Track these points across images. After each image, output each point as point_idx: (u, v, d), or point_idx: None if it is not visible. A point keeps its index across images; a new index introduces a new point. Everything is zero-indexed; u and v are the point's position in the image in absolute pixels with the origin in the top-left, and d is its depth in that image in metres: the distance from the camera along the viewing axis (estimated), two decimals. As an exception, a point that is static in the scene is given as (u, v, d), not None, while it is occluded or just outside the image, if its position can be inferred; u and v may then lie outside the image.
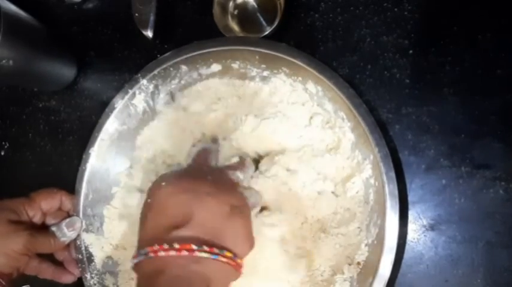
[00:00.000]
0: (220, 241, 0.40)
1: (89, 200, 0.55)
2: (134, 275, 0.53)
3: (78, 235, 0.54)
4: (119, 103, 0.55)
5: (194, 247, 0.38)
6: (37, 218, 0.53)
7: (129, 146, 0.57)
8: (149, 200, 0.43)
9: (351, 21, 0.53)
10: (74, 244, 0.55)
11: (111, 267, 0.56)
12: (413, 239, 0.50)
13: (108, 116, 0.55)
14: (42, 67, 0.57)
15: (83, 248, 0.54)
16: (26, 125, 0.65)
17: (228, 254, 0.39)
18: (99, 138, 0.55)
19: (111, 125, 0.55)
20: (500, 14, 0.49)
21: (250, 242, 0.43)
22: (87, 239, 0.55)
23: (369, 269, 0.47)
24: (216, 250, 0.39)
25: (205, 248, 0.38)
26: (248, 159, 0.52)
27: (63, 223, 0.53)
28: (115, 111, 0.55)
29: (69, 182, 0.59)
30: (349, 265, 0.49)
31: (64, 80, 0.62)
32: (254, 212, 0.49)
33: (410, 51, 0.51)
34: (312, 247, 0.50)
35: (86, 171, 0.55)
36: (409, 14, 0.51)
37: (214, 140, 0.54)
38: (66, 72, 0.61)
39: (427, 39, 0.51)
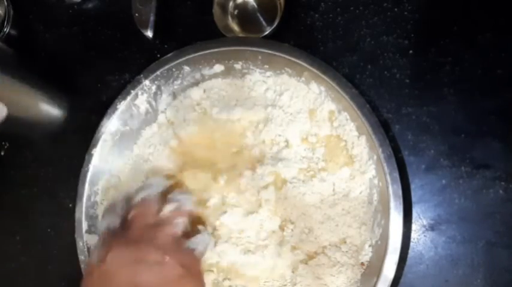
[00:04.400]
0: None
1: (91, 202, 0.55)
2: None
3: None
4: (122, 104, 0.55)
5: None
6: None
7: (131, 147, 0.57)
8: (94, 275, 0.41)
9: (351, 21, 0.53)
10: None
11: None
12: (414, 239, 0.50)
13: (110, 117, 0.55)
14: (28, 108, 0.56)
15: (86, 249, 0.54)
16: (26, 125, 0.65)
17: None
18: (101, 139, 0.55)
19: (113, 126, 0.55)
20: (499, 14, 0.49)
21: None
22: (90, 240, 0.54)
23: (372, 269, 0.48)
24: None
25: None
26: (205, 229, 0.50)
27: None
28: (117, 112, 0.55)
29: (69, 183, 0.59)
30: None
31: (52, 120, 0.61)
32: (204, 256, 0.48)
33: (410, 51, 0.51)
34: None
35: (89, 172, 0.55)
36: (409, 14, 0.51)
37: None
38: (55, 111, 0.60)
39: (427, 39, 0.51)
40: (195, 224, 0.50)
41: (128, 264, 0.40)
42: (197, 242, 0.46)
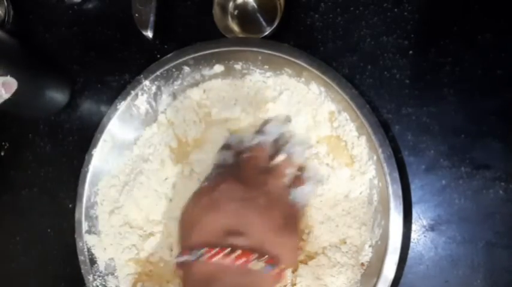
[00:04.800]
0: (273, 252, 0.40)
1: (91, 202, 0.55)
2: (134, 275, 0.53)
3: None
4: (122, 104, 0.55)
5: (254, 256, 0.38)
6: None
7: (131, 147, 0.57)
8: (203, 198, 0.43)
9: (351, 21, 0.53)
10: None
11: (113, 269, 0.56)
12: (414, 239, 0.50)
13: (110, 117, 0.55)
14: (35, 94, 0.57)
15: (86, 249, 0.54)
16: (26, 125, 0.65)
17: (281, 266, 0.40)
18: (101, 140, 0.55)
19: (113, 126, 0.55)
20: (500, 15, 0.49)
21: (297, 254, 0.45)
22: (90, 241, 0.55)
23: (372, 270, 0.48)
24: (272, 263, 0.39)
25: (264, 259, 0.39)
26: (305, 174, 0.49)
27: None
28: (117, 113, 0.55)
29: (69, 183, 0.59)
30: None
31: (57, 105, 0.61)
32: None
33: (410, 52, 0.51)
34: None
35: (89, 172, 0.55)
36: (409, 14, 0.51)
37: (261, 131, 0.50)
38: (60, 96, 0.61)
39: (427, 39, 0.51)
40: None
41: (236, 199, 0.41)
42: (301, 194, 0.46)
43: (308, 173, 0.49)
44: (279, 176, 0.46)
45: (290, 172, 0.47)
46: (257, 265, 0.38)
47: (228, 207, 0.41)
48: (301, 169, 0.50)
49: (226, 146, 0.49)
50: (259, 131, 0.51)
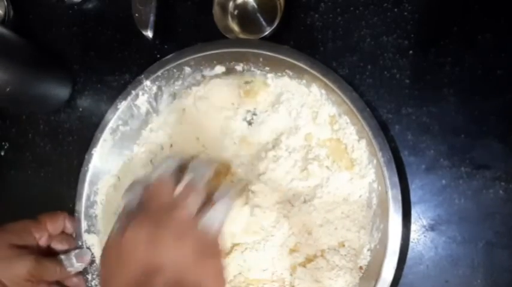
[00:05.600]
0: (195, 280, 0.40)
1: (90, 201, 0.55)
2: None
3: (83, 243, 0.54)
4: (122, 104, 0.55)
5: None
6: (44, 241, 0.52)
7: (131, 147, 0.57)
8: (112, 251, 0.42)
9: (351, 21, 0.53)
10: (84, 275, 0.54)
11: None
12: (414, 239, 0.50)
13: (111, 117, 0.55)
14: (37, 89, 0.57)
15: (85, 248, 0.54)
16: (26, 125, 0.65)
17: None
18: (101, 139, 0.55)
19: (113, 126, 0.55)
20: (500, 15, 0.49)
21: (222, 277, 0.43)
22: (89, 240, 0.55)
23: (371, 273, 0.47)
24: None
25: None
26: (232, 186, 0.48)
27: (73, 253, 0.53)
28: (118, 112, 0.55)
29: (69, 183, 0.59)
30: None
31: (59, 99, 0.61)
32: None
33: (410, 52, 0.51)
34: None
35: (89, 172, 0.55)
36: (409, 14, 0.51)
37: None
38: (61, 91, 0.61)
39: (427, 39, 0.51)
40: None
41: (145, 244, 0.40)
42: (211, 219, 0.44)
43: (220, 190, 0.46)
44: (182, 208, 0.43)
45: (193, 200, 0.44)
46: None
47: (137, 255, 0.40)
48: (212, 188, 0.47)
49: (130, 188, 0.47)
50: (157, 165, 0.48)
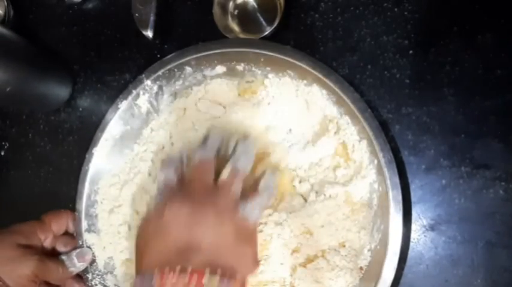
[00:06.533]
0: (228, 265, 0.40)
1: (91, 201, 0.55)
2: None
3: (86, 247, 0.54)
4: (123, 103, 0.55)
5: (207, 272, 0.38)
6: (48, 242, 0.53)
7: (132, 146, 0.57)
8: (151, 224, 0.43)
9: (351, 21, 0.53)
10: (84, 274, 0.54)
11: (112, 268, 0.56)
12: (414, 239, 0.50)
13: (112, 116, 0.55)
14: (37, 89, 0.57)
15: (86, 248, 0.54)
16: (26, 125, 0.65)
17: (238, 279, 0.40)
18: (102, 139, 0.55)
19: (114, 125, 0.55)
20: (500, 14, 0.49)
21: (256, 263, 0.44)
22: (89, 239, 0.55)
23: (371, 274, 0.47)
24: (227, 277, 0.39)
25: (218, 274, 0.38)
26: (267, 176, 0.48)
27: (74, 253, 0.53)
28: (119, 112, 0.55)
29: (69, 183, 0.59)
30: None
31: (60, 99, 0.61)
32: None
33: (410, 51, 0.51)
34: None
35: (89, 171, 0.55)
36: (409, 14, 0.51)
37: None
38: (62, 91, 0.61)
39: (427, 39, 0.51)
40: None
41: (185, 222, 0.41)
42: (253, 207, 0.45)
43: (265, 179, 0.47)
44: (226, 192, 0.44)
45: (237, 186, 0.45)
46: (211, 280, 0.38)
47: (177, 229, 0.41)
48: (256, 179, 0.48)
49: (168, 163, 0.47)
50: (200, 146, 0.49)
